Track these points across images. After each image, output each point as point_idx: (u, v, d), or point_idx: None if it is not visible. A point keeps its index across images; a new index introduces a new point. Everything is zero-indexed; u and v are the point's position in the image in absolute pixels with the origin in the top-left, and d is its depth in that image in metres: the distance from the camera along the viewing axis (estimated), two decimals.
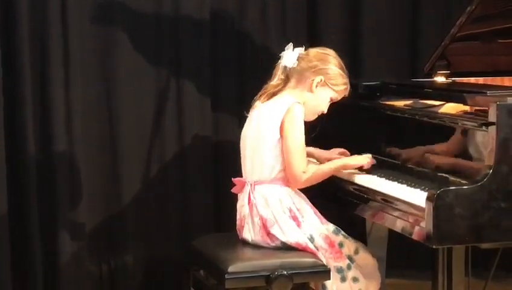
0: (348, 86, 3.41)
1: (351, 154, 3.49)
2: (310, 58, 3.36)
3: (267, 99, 3.37)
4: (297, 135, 3.25)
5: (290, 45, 3.39)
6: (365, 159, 3.38)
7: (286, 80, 3.38)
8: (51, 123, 4.04)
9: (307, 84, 3.35)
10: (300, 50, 3.38)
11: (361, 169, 3.40)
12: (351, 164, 3.39)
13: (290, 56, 3.36)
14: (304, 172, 3.27)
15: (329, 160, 3.47)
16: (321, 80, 3.34)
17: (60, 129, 4.05)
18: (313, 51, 3.39)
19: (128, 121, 4.21)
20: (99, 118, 4.18)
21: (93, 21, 4.12)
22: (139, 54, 4.22)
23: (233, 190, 3.42)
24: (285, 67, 3.36)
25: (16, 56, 3.95)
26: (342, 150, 3.57)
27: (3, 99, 3.92)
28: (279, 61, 3.40)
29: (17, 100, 3.98)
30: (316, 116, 3.43)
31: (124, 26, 4.17)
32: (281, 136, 3.26)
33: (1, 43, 3.91)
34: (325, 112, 3.43)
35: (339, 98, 3.42)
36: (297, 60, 3.35)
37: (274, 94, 3.37)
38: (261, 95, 3.39)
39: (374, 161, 3.40)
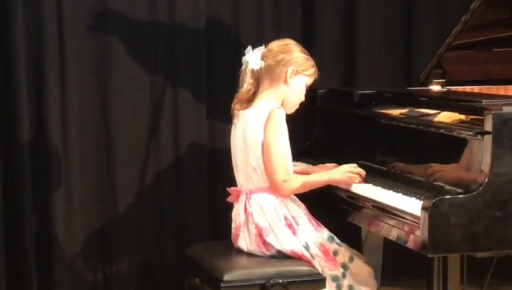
0: (316, 67, 3.40)
1: (345, 163, 3.48)
2: (274, 54, 3.34)
3: (246, 106, 3.35)
4: (278, 143, 3.25)
5: (249, 48, 3.37)
6: (348, 175, 3.34)
7: (257, 83, 3.36)
8: (46, 131, 4.04)
9: (281, 79, 3.33)
10: (261, 49, 3.36)
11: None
12: (339, 179, 3.36)
13: (254, 58, 3.34)
14: (285, 181, 3.25)
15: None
16: (293, 70, 3.34)
17: (55, 137, 4.05)
18: (274, 45, 3.38)
19: (123, 128, 4.21)
20: (94, 126, 4.18)
21: (89, 29, 4.13)
22: (134, 61, 4.22)
23: (229, 199, 3.42)
24: (252, 70, 3.34)
25: (11, 64, 3.95)
26: (331, 165, 3.55)
27: None
28: (243, 66, 3.37)
29: (12, 108, 3.97)
30: (297, 107, 3.42)
31: (119, 34, 4.17)
32: (263, 143, 3.26)
33: None
34: (304, 100, 3.42)
35: (311, 81, 3.41)
36: (262, 59, 3.34)
37: (249, 99, 3.35)
38: (236, 104, 3.36)
39: (363, 174, 3.36)
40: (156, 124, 4.27)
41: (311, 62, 3.39)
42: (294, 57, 3.34)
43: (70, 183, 4.10)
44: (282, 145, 3.25)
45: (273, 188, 3.27)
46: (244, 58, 3.37)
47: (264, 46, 3.38)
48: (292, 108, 3.39)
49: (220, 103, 4.34)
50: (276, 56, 3.33)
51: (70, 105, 4.09)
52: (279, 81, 3.34)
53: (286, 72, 3.33)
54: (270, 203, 3.28)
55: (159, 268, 4.28)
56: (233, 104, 3.37)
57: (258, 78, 3.35)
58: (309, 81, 3.41)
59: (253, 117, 3.30)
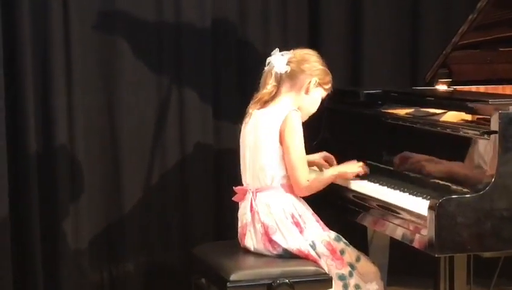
0: (332, 82, 3.46)
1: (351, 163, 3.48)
2: (300, 61, 3.38)
3: (262, 107, 3.38)
4: (298, 145, 3.29)
5: (276, 50, 3.40)
6: (358, 168, 3.40)
7: (278, 86, 3.39)
8: (52, 132, 4.04)
9: (303, 87, 3.38)
10: (287, 53, 3.40)
11: (357, 176, 3.42)
12: (348, 172, 3.40)
13: (280, 62, 3.37)
14: (308, 180, 3.31)
15: (316, 164, 3.57)
16: (316, 82, 3.38)
17: (61, 138, 4.05)
18: (300, 53, 3.41)
19: (129, 129, 4.21)
20: (100, 127, 4.18)
21: (95, 29, 4.13)
22: (140, 62, 4.22)
23: (235, 199, 3.43)
24: (276, 73, 3.38)
25: (18, 65, 3.95)
26: (326, 154, 3.61)
27: (5, 108, 3.92)
28: (267, 67, 3.40)
29: (19, 109, 3.98)
30: (308, 117, 3.45)
31: (125, 35, 4.18)
32: (281, 145, 3.29)
33: (3, 51, 3.91)
34: (315, 111, 3.47)
35: (326, 95, 3.47)
36: (288, 64, 3.37)
37: (267, 101, 3.38)
38: (254, 103, 3.40)
39: (367, 169, 3.41)
40: (162, 124, 4.27)
41: (330, 76, 3.45)
42: (318, 68, 3.40)
43: (76, 184, 4.10)
44: (300, 146, 3.29)
45: (296, 188, 3.31)
46: (269, 59, 3.40)
47: (291, 51, 3.41)
48: (304, 117, 3.41)
49: (226, 103, 4.34)
50: (301, 64, 3.37)
51: (76, 105, 4.08)
52: (300, 89, 3.38)
53: (310, 82, 3.37)
54: (277, 202, 3.29)
55: (165, 268, 4.28)
56: (251, 103, 3.40)
57: (280, 81, 3.38)
58: (324, 94, 3.46)
59: (268, 117, 3.33)
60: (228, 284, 3.09)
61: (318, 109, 3.49)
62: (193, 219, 4.31)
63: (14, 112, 3.98)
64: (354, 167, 3.41)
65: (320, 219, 3.38)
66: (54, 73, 4.03)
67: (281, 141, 3.29)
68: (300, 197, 3.35)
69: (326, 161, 3.62)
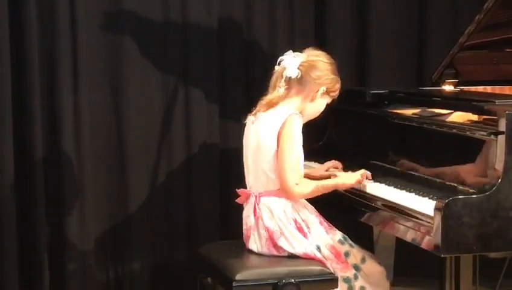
0: (340, 88, 3.42)
1: (355, 163, 3.47)
2: (311, 68, 3.32)
3: (268, 109, 3.33)
4: (292, 147, 3.24)
5: (290, 52, 3.36)
6: (357, 178, 3.33)
7: (288, 89, 3.35)
8: (59, 131, 4.05)
9: (309, 95, 3.34)
10: (300, 56, 3.34)
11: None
12: (347, 184, 3.34)
13: (292, 65, 3.32)
14: (297, 184, 3.24)
15: (321, 176, 3.48)
16: (324, 90, 3.35)
17: (68, 137, 4.05)
18: (311, 59, 3.35)
19: (135, 128, 4.21)
20: (107, 126, 4.19)
21: (102, 29, 4.13)
22: (147, 61, 4.23)
23: (238, 201, 3.41)
24: (286, 76, 3.32)
25: (25, 64, 3.96)
26: (333, 162, 3.58)
27: (12, 107, 3.93)
28: (279, 68, 3.35)
29: (26, 108, 3.98)
30: (308, 120, 3.42)
31: (132, 34, 4.18)
32: (277, 146, 3.25)
33: (11, 51, 3.92)
34: None
35: (330, 101, 3.44)
36: (298, 68, 3.32)
37: (276, 103, 3.34)
38: (263, 105, 3.34)
39: (370, 177, 3.36)
40: (168, 123, 4.28)
41: (339, 84, 3.40)
42: (328, 78, 3.35)
43: (83, 184, 4.10)
44: (296, 150, 3.24)
45: (285, 191, 3.26)
46: (282, 60, 3.35)
47: (305, 51, 3.36)
48: (306, 120, 3.38)
49: (232, 102, 4.34)
50: (312, 71, 3.32)
51: (82, 105, 4.09)
52: (307, 96, 3.34)
53: (317, 91, 3.33)
54: (279, 207, 3.27)
55: (171, 267, 4.29)
56: (260, 103, 3.34)
57: (289, 84, 3.34)
58: (330, 101, 3.42)
59: (269, 122, 3.29)
60: (234, 284, 3.08)
61: (324, 109, 3.47)
62: (199, 218, 4.32)
63: (21, 111, 3.98)
64: (353, 178, 3.33)
65: (327, 219, 3.37)
66: (61, 72, 4.04)
67: (277, 143, 3.25)
68: (303, 199, 3.31)
69: (334, 167, 3.58)
